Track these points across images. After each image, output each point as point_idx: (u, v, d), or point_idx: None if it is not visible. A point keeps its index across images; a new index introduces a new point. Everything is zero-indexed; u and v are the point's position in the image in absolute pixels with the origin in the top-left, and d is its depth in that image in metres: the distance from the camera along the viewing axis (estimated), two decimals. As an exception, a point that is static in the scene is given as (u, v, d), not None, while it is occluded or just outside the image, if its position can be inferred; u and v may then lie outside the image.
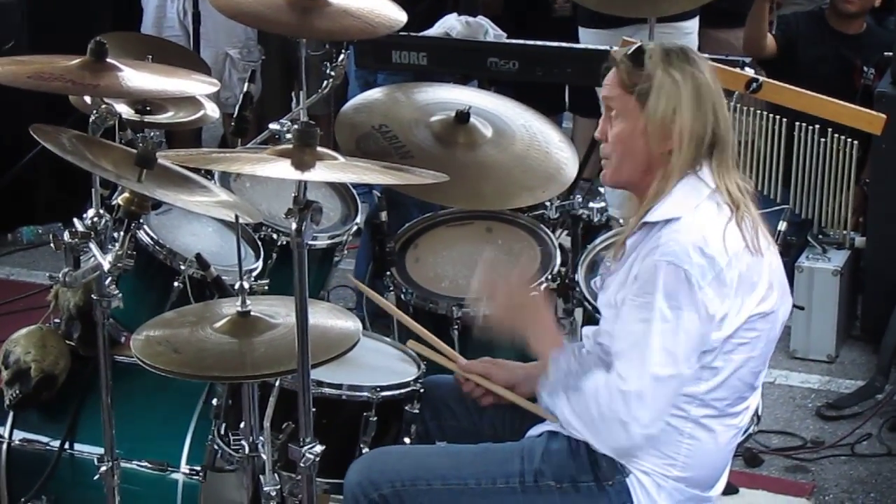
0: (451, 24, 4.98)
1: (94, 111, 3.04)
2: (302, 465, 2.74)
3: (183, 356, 2.80)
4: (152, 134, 3.75)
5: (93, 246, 2.83)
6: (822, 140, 4.37)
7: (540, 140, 3.85)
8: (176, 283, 3.42)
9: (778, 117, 4.36)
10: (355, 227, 3.98)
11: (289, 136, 2.78)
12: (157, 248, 3.46)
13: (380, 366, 3.30)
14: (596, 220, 3.96)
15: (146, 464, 3.44)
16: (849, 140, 4.35)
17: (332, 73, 3.92)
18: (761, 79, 4.18)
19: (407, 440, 3.16)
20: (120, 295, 2.95)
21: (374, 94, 4.06)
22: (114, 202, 2.82)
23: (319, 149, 2.64)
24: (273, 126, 3.77)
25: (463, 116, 3.79)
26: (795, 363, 5.11)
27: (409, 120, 3.83)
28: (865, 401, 4.76)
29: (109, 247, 2.86)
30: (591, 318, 3.47)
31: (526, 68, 4.73)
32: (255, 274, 3.54)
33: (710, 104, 2.80)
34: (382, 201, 3.84)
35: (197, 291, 3.40)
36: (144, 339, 2.87)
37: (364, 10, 3.64)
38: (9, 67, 2.98)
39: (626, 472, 2.84)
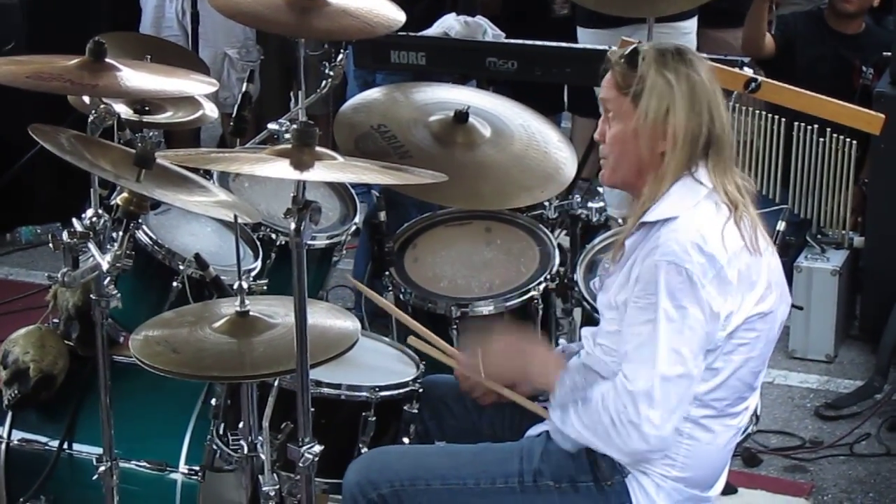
0: (449, 24, 4.97)
1: (93, 111, 3.04)
2: (301, 464, 2.74)
3: (182, 356, 2.80)
4: (151, 134, 3.74)
5: (91, 246, 2.82)
6: (821, 140, 4.36)
7: (538, 140, 3.85)
8: (175, 283, 3.42)
9: (777, 117, 4.35)
10: (354, 227, 3.97)
11: (287, 135, 2.77)
12: (155, 248, 3.45)
13: (378, 366, 3.30)
14: (595, 220, 3.96)
15: (145, 464, 3.44)
16: (848, 140, 4.34)
17: (331, 73, 3.92)
18: (760, 79, 4.17)
19: (406, 440, 3.16)
20: (118, 295, 2.94)
21: (373, 93, 4.06)
22: (112, 202, 2.82)
23: (318, 149, 2.64)
24: (272, 126, 3.76)
25: (461, 116, 3.79)
26: (794, 363, 5.11)
27: (407, 120, 3.83)
28: (864, 401, 4.76)
29: (108, 247, 2.85)
30: (590, 317, 3.47)
31: (524, 68, 4.73)
32: (253, 274, 3.53)
33: (706, 104, 2.79)
34: (381, 201, 3.84)
35: (196, 291, 3.39)
36: (143, 339, 2.87)
37: (363, 9, 3.64)
38: (7, 67, 2.98)
39: (624, 472, 2.83)
